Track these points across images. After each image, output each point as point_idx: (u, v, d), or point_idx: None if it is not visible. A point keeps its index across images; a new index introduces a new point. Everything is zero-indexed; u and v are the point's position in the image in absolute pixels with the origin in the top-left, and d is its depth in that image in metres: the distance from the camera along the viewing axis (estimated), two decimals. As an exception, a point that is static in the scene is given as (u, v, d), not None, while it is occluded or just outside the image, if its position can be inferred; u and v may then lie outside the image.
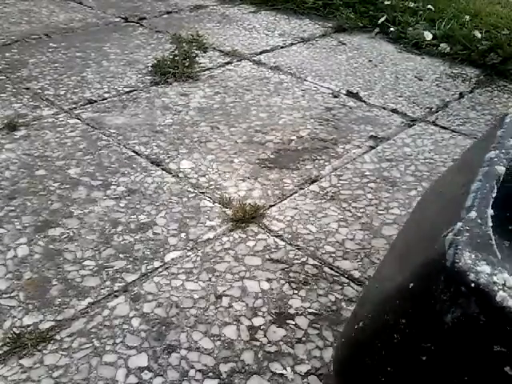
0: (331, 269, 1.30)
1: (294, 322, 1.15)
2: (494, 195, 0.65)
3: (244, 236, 1.40)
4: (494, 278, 0.52)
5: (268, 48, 2.67)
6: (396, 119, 2.05)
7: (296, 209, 1.51)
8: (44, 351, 1.07)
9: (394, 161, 1.76)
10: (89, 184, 1.58)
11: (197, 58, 2.46)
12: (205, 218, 1.45)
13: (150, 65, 2.37)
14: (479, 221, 0.60)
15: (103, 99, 2.08)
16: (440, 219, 0.70)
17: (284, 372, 1.04)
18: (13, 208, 1.46)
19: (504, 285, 0.52)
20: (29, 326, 1.12)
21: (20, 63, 2.35)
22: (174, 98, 2.11)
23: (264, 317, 1.16)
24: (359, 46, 2.78)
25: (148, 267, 1.28)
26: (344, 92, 2.23)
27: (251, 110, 2.04)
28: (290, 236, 1.40)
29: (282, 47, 2.70)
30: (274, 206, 1.52)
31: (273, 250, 1.35)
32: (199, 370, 1.04)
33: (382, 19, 2.95)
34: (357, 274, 1.28)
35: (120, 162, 1.69)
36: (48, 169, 1.64)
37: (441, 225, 0.64)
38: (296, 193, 1.58)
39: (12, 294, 1.19)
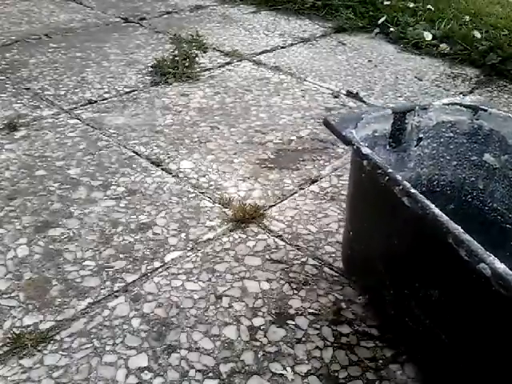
0: (331, 269, 1.30)
1: (294, 322, 1.15)
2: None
3: (244, 236, 1.40)
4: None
5: (268, 48, 2.67)
6: (396, 119, 2.04)
7: (296, 209, 1.51)
8: (44, 351, 1.07)
9: (394, 161, 1.76)
10: (89, 184, 1.58)
11: (197, 59, 2.46)
12: (205, 219, 1.45)
13: (149, 65, 2.37)
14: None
15: (103, 99, 2.08)
16: None
17: (284, 372, 1.04)
18: (13, 208, 1.46)
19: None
20: (29, 326, 1.12)
21: (20, 63, 2.35)
22: (174, 99, 2.11)
23: (264, 317, 1.16)
24: (359, 46, 2.78)
25: (148, 267, 1.28)
26: (344, 92, 2.23)
27: (251, 110, 2.04)
28: (290, 236, 1.40)
29: (282, 47, 2.70)
30: (274, 206, 1.52)
31: (273, 251, 1.35)
32: (199, 371, 1.04)
33: (382, 19, 2.95)
34: (357, 275, 1.28)
35: (120, 162, 1.69)
36: (48, 169, 1.64)
37: None
38: (296, 193, 1.58)
39: (12, 295, 1.19)
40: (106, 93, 2.13)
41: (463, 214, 1.23)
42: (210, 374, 1.03)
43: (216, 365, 1.05)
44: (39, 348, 1.07)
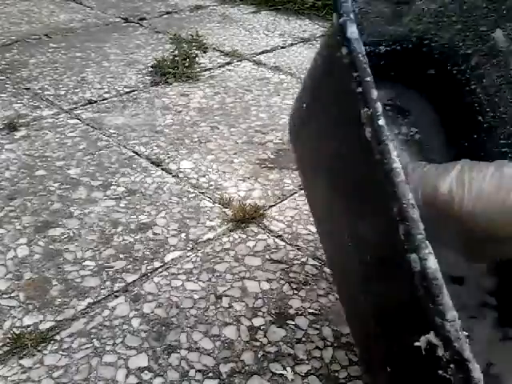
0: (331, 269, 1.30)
1: (294, 323, 1.15)
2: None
3: (244, 236, 1.40)
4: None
5: (268, 48, 2.67)
6: (396, 119, 2.04)
7: (296, 209, 1.51)
8: (44, 351, 1.07)
9: (394, 161, 1.76)
10: (89, 184, 1.58)
11: (197, 59, 2.46)
12: (205, 219, 1.45)
13: (149, 65, 2.37)
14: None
15: (103, 99, 2.08)
16: None
17: (284, 372, 1.04)
18: (13, 208, 1.46)
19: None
20: (29, 326, 1.12)
21: (20, 63, 2.35)
22: (174, 99, 2.11)
23: (264, 317, 1.16)
24: (359, 46, 2.78)
25: (148, 267, 1.28)
26: (344, 92, 2.23)
27: (251, 111, 2.04)
28: (290, 236, 1.40)
29: (282, 47, 2.70)
30: (274, 206, 1.52)
31: (273, 251, 1.35)
32: (199, 371, 1.04)
33: (382, 19, 2.95)
34: (357, 275, 1.28)
35: (120, 162, 1.69)
36: (48, 169, 1.64)
37: None
38: (296, 193, 1.58)
39: (12, 295, 1.20)
40: (106, 93, 2.13)
41: (440, 81, 1.07)
42: (210, 374, 1.03)
43: (216, 365, 1.05)
44: (39, 348, 1.07)
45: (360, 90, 0.67)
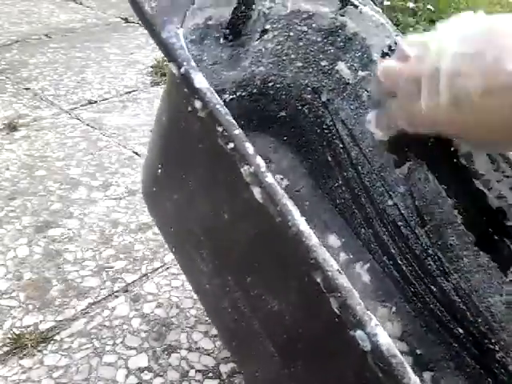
0: (331, 269, 1.29)
1: (294, 323, 1.15)
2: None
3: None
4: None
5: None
6: (396, 119, 2.04)
7: (296, 209, 1.51)
8: (44, 351, 1.07)
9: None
10: (89, 184, 1.58)
11: (197, 59, 2.45)
12: (205, 219, 1.45)
13: (149, 65, 2.37)
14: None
15: (103, 99, 2.08)
16: None
17: (284, 372, 1.04)
18: (13, 208, 1.46)
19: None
20: (29, 326, 1.12)
21: (20, 63, 2.35)
22: (174, 99, 2.11)
23: (264, 317, 1.16)
24: (359, 46, 2.78)
25: (148, 267, 1.28)
26: (344, 92, 2.23)
27: (251, 111, 2.04)
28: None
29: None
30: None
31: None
32: (199, 371, 1.04)
33: (382, 20, 2.95)
34: (357, 275, 1.28)
35: (120, 162, 1.69)
36: (48, 169, 1.64)
37: None
38: (296, 193, 1.58)
39: (12, 295, 1.19)
40: (106, 93, 2.13)
41: (294, 124, 1.01)
42: (210, 374, 1.03)
43: (216, 365, 1.05)
44: (39, 348, 1.07)
45: (232, 146, 0.59)
